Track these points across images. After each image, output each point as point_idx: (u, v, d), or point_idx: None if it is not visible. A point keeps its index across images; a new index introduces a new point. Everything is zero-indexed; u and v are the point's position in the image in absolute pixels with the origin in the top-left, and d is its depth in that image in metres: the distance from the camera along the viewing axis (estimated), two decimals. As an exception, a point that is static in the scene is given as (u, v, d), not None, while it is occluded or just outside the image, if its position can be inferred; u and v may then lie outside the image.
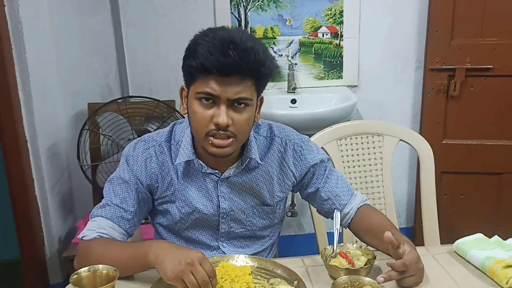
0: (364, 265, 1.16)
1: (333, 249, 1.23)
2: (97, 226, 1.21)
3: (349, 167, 1.71)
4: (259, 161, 1.29)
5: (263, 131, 1.34)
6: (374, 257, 1.18)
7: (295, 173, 1.35)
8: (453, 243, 1.30)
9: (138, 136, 2.21)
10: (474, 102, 2.53)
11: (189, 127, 1.28)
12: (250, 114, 1.18)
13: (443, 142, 2.58)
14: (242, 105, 1.15)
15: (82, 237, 1.21)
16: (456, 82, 2.48)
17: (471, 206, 2.65)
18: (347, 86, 2.62)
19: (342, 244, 1.26)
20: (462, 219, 2.59)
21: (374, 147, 1.71)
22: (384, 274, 1.08)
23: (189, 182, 1.29)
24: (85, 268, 1.02)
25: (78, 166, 2.25)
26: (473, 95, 2.52)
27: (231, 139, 1.17)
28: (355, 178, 1.71)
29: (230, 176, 1.29)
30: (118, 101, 2.28)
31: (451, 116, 2.56)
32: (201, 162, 1.27)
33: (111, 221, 1.23)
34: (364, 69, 2.61)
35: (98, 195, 2.18)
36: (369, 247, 1.27)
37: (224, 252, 1.35)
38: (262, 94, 1.24)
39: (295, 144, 1.34)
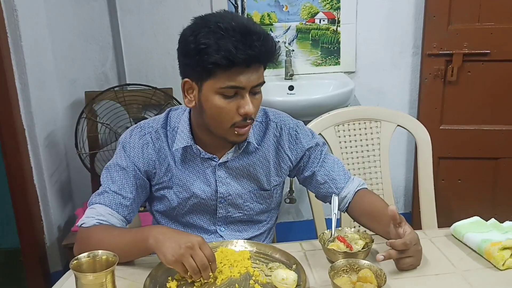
0: (362, 249, 1.17)
1: (331, 233, 1.24)
2: (96, 213, 1.21)
3: (346, 153, 1.71)
4: (256, 145, 1.30)
5: (258, 116, 1.34)
6: (372, 241, 1.19)
7: (291, 157, 1.35)
8: (449, 227, 1.31)
9: (136, 124, 2.22)
10: (471, 87, 2.52)
11: (185, 113, 1.28)
12: (261, 93, 1.21)
13: (440, 127, 2.58)
14: (259, 89, 1.18)
15: (81, 224, 1.21)
16: (454, 67, 2.47)
17: (468, 191, 2.65)
18: (345, 72, 2.61)
19: (340, 228, 1.27)
20: (460, 204, 2.60)
21: (371, 133, 1.71)
22: (384, 252, 1.10)
23: (186, 168, 1.29)
24: (85, 254, 1.01)
25: (76, 155, 2.25)
26: (471, 80, 2.51)
27: (249, 125, 1.20)
28: (353, 164, 1.71)
29: (228, 161, 1.29)
30: (115, 89, 2.27)
31: (449, 102, 2.55)
32: (198, 148, 1.27)
33: (109, 208, 1.23)
34: (362, 55, 2.60)
35: (96, 183, 2.18)
36: (367, 231, 1.28)
37: (221, 236, 1.36)
38: None
39: (290, 128, 1.35)
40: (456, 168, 2.63)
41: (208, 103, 1.15)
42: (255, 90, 1.16)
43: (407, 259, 1.11)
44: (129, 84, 2.37)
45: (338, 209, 1.35)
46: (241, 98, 1.14)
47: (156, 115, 2.25)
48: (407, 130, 1.69)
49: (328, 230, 1.25)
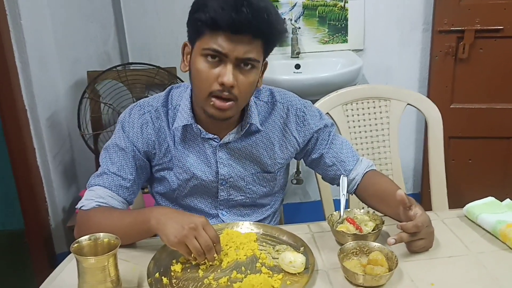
0: (372, 231, 1.13)
1: (340, 214, 1.20)
2: (96, 196, 1.18)
3: (355, 132, 1.67)
4: (259, 127, 1.25)
5: (263, 96, 1.29)
6: (382, 222, 1.15)
7: (298, 139, 1.31)
8: (461, 208, 1.27)
9: (140, 104, 2.18)
10: (483, 65, 2.46)
11: (187, 91, 1.24)
12: (255, 77, 1.14)
13: (451, 106, 2.53)
14: (249, 66, 1.11)
15: (81, 207, 1.18)
16: (465, 44, 2.41)
17: (479, 171, 2.62)
18: (353, 50, 2.55)
19: (349, 209, 1.23)
20: (470, 185, 2.56)
21: (380, 112, 1.68)
22: (395, 235, 1.06)
23: (186, 148, 1.25)
24: (86, 237, 0.99)
25: (79, 135, 2.22)
26: (483, 57, 2.45)
27: (231, 102, 1.12)
28: (362, 144, 1.68)
29: (229, 142, 1.25)
30: (118, 68, 2.23)
31: (460, 80, 2.49)
32: (199, 127, 1.23)
33: (109, 189, 1.20)
34: (370, 32, 2.54)
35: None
36: (376, 212, 1.24)
37: (223, 221, 1.33)
38: (266, 59, 1.20)
39: (298, 109, 1.30)
40: (466, 148, 2.58)
41: (193, 65, 1.13)
42: (243, 67, 1.10)
43: (419, 241, 1.08)
44: (131, 63, 2.33)
45: (347, 191, 1.31)
46: (223, 67, 1.09)
47: (159, 94, 2.21)
48: (418, 109, 1.65)
49: (337, 211, 1.22)
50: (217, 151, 1.25)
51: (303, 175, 2.56)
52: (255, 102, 1.27)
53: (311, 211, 2.33)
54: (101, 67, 2.38)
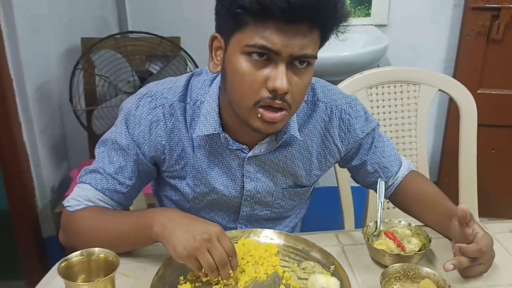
0: (419, 251, 0.96)
1: (376, 226, 1.02)
2: (84, 197, 0.99)
3: (379, 119, 1.54)
4: (298, 136, 1.02)
5: None
6: (430, 240, 0.98)
7: (340, 148, 1.09)
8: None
9: (139, 78, 1.96)
10: (518, 47, 2.27)
11: (213, 86, 1.00)
12: (311, 77, 0.91)
13: (478, 91, 2.35)
14: (305, 64, 0.87)
15: (67, 206, 0.99)
16: (500, 24, 2.22)
17: (502, 162, 2.46)
18: (375, 25, 2.35)
19: (386, 220, 1.05)
20: (492, 176, 2.40)
21: (408, 98, 1.54)
22: (453, 260, 0.90)
23: (207, 157, 1.03)
24: (77, 252, 0.82)
25: (71, 109, 2.01)
26: (519, 38, 2.26)
27: (284, 112, 0.88)
28: (385, 132, 1.54)
29: (261, 154, 1.04)
30: (116, 36, 2.01)
31: (491, 62, 2.31)
32: (228, 136, 1.00)
33: (101, 193, 1.00)
34: (396, 6, 2.33)
35: (94, 142, 1.93)
36: (417, 223, 1.08)
37: None
38: None
39: (343, 111, 1.06)
40: (490, 137, 2.41)
41: (231, 65, 0.87)
42: (297, 66, 0.86)
43: (477, 266, 0.91)
44: (131, 32, 2.11)
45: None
46: (274, 68, 0.85)
47: (162, 68, 2.01)
48: (450, 96, 1.50)
49: (373, 222, 1.04)
50: (244, 163, 1.04)
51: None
52: None
53: (323, 198, 2.18)
54: (97, 33, 2.16)
